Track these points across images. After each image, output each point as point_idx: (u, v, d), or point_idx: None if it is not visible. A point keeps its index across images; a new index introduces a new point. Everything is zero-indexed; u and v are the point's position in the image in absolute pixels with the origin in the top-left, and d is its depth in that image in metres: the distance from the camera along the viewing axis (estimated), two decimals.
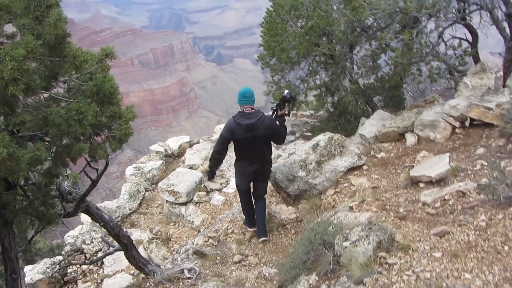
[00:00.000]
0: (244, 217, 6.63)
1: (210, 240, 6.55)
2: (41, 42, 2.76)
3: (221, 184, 9.45)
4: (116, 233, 5.32)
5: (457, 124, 6.80)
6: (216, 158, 5.97)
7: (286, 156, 7.07)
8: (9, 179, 2.65)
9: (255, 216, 6.35)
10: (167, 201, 9.41)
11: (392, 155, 7.28)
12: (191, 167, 10.67)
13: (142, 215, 10.37)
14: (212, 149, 6.23)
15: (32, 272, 8.65)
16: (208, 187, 9.40)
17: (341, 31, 8.36)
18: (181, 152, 12.69)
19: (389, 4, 6.97)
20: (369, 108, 10.24)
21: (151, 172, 11.72)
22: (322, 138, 6.88)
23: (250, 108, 5.64)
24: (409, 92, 12.75)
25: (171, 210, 9.35)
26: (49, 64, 2.99)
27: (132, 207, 10.49)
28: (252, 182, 6.19)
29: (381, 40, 8.47)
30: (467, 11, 8.07)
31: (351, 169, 6.78)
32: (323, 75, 9.15)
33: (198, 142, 12.95)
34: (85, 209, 4.95)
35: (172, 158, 12.90)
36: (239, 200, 6.83)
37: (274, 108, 6.02)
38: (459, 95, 7.80)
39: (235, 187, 9.27)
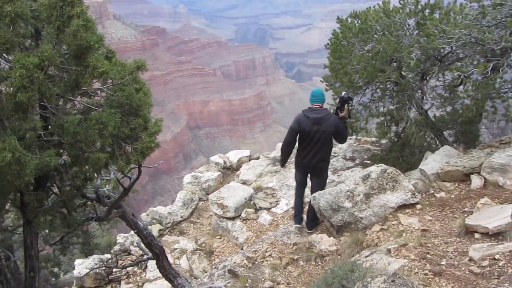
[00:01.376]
0: (294, 210, 7.06)
1: (246, 260, 6.39)
2: (66, 51, 2.80)
3: (270, 203, 9.26)
4: (149, 242, 5.34)
5: None
6: (285, 151, 6.64)
7: (335, 184, 6.72)
8: (15, 183, 2.71)
9: (302, 212, 6.94)
10: (215, 214, 9.40)
11: (452, 196, 6.65)
12: (244, 182, 10.62)
13: (191, 224, 10.47)
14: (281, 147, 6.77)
15: (81, 266, 9.00)
16: (257, 205, 9.25)
17: (412, 58, 7.88)
18: (239, 166, 12.72)
19: (464, 33, 6.42)
20: (437, 142, 9.54)
21: (207, 183, 11.84)
22: (374, 170, 6.46)
23: (318, 106, 6.30)
24: (489, 130, 11.77)
25: (218, 223, 9.32)
26: (73, 73, 3.04)
27: (183, 215, 10.63)
28: (309, 177, 6.76)
29: (457, 70, 7.86)
30: None
31: (403, 207, 6.28)
32: (388, 103, 8.67)
33: (258, 158, 12.88)
34: (120, 215, 5.01)
35: (230, 171, 12.96)
36: (285, 222, 6.86)
37: (335, 112, 6.53)
38: None
39: (284, 208, 9.07)
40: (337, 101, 7.06)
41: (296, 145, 6.57)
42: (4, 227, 7.70)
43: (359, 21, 8.29)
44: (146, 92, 3.53)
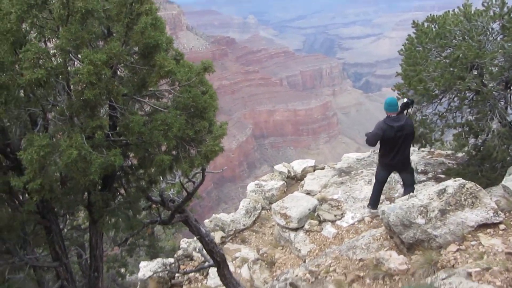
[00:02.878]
0: (370, 200, 8.26)
1: (308, 274, 6.13)
2: (134, 49, 2.78)
3: (335, 215, 8.91)
4: (210, 248, 5.27)
5: None
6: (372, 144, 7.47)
7: (406, 198, 6.28)
8: (80, 181, 2.72)
9: (379, 201, 8.20)
10: (278, 224, 9.21)
11: None
12: (308, 193, 10.35)
13: (254, 233, 10.36)
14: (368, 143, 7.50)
15: (145, 269, 9.19)
16: (321, 217, 8.95)
17: (496, 65, 7.25)
18: (303, 176, 12.46)
19: None
20: None
21: (271, 191, 11.71)
22: (451, 184, 5.94)
23: (395, 114, 7.06)
24: None
25: (281, 234, 9.12)
26: (140, 72, 3.01)
27: (246, 223, 10.56)
28: (399, 174, 8.03)
29: None
30: None
31: (484, 226, 5.70)
32: (467, 113, 8.03)
33: (323, 168, 12.55)
34: (183, 220, 4.98)
35: (294, 181, 12.74)
36: (351, 236, 7.55)
37: None
38: None
39: (349, 221, 8.70)
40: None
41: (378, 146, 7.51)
42: (76, 226, 8.03)
43: (437, 26, 7.77)
44: (212, 95, 3.45)
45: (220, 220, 10.46)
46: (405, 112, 7.18)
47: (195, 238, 10.34)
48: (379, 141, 7.30)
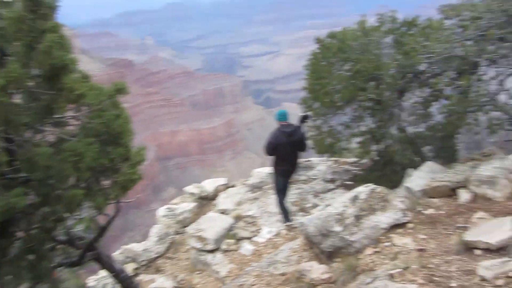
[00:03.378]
0: (282, 215, 8.44)
1: None
2: (36, 72, 2.40)
3: (252, 232, 8.84)
4: (127, 286, 4.82)
5: None
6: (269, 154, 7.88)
7: (322, 208, 6.43)
8: None
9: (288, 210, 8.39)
10: (194, 247, 8.88)
11: (442, 212, 6.43)
12: (222, 212, 10.17)
13: (169, 260, 9.87)
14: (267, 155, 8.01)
15: None
16: (238, 235, 8.81)
17: (391, 75, 7.80)
18: (216, 195, 12.23)
19: (445, 47, 6.37)
20: (417, 159, 9.44)
21: (183, 214, 11.29)
22: (362, 190, 6.18)
23: (286, 123, 7.63)
24: (463, 144, 11.81)
25: (197, 257, 8.79)
26: (45, 98, 2.62)
27: (159, 250, 10.03)
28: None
29: (434, 86, 7.82)
30: None
31: (395, 227, 5.99)
32: (369, 122, 8.53)
33: (234, 186, 12.46)
34: (95, 257, 4.49)
35: (207, 201, 12.45)
36: (269, 250, 7.38)
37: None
38: None
39: (266, 236, 8.66)
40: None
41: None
42: None
43: (337, 41, 8.18)
44: (126, 118, 3.14)
45: (131, 251, 9.82)
46: (303, 124, 7.79)
47: (103, 274, 9.61)
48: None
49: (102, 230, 4.11)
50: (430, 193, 6.97)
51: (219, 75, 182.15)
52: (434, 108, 8.70)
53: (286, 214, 8.33)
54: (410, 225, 6.07)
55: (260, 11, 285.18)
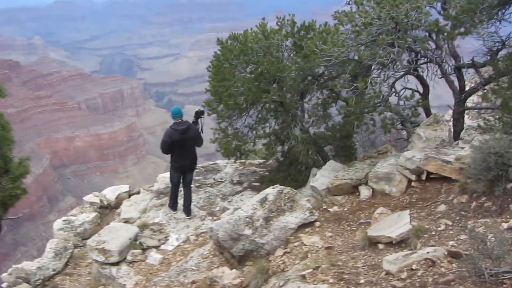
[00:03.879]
0: (170, 202, 9.01)
1: None
2: None
3: (159, 240, 8.47)
4: None
5: (413, 177, 6.44)
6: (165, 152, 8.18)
7: (231, 211, 6.35)
8: None
9: (178, 201, 8.85)
10: (96, 261, 8.26)
11: (345, 209, 6.74)
12: (126, 221, 9.62)
13: (67, 277, 9.06)
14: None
15: None
16: (144, 244, 8.38)
17: (292, 78, 7.98)
18: (118, 203, 11.56)
19: (342, 52, 6.66)
20: (320, 158, 9.82)
21: (82, 226, 10.46)
22: (270, 192, 6.23)
23: (180, 120, 7.86)
24: (359, 142, 12.56)
25: (100, 271, 8.18)
26: None
27: (56, 267, 9.15)
28: (183, 175, 8.42)
29: (334, 88, 8.18)
30: (418, 62, 7.96)
31: (303, 226, 6.13)
32: (273, 123, 8.67)
33: (138, 193, 11.89)
34: None
35: (109, 210, 11.72)
36: (178, 258, 7.34)
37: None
38: (412, 146, 7.52)
39: (174, 243, 8.39)
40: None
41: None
42: None
43: (239, 43, 8.18)
44: (4, 125, 2.74)
45: (23, 271, 8.84)
46: (198, 120, 8.17)
47: None
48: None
49: None
50: (333, 191, 7.26)
51: (117, 78, 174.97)
52: (333, 109, 9.10)
53: (173, 203, 8.90)
54: (317, 223, 6.25)
55: (157, 12, 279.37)
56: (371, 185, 6.93)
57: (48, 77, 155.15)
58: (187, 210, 8.77)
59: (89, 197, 11.87)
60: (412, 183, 6.46)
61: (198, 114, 8.14)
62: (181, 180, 8.57)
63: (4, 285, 4.80)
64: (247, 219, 5.90)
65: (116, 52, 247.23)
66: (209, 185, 10.83)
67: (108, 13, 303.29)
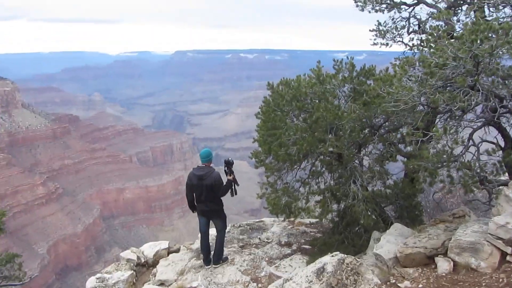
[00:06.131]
0: (203, 256, 8.52)
1: None
2: None
3: None
4: None
5: (509, 250, 5.13)
6: (189, 203, 8.23)
7: (281, 283, 5.26)
8: None
9: (210, 255, 8.41)
10: None
11: (420, 286, 5.46)
12: (162, 283, 8.69)
13: None
14: None
15: None
16: None
17: (351, 126, 7.04)
18: (156, 261, 10.69)
19: (413, 95, 5.68)
20: (380, 220, 8.57)
21: (116, 286, 9.62)
22: (329, 261, 5.13)
23: (204, 165, 7.78)
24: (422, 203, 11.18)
25: None
26: None
27: None
28: (212, 221, 8.16)
29: (394, 139, 7.15)
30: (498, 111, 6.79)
31: None
32: (328, 178, 7.64)
33: (178, 250, 11.00)
34: None
35: (146, 268, 10.85)
36: None
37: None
38: (499, 210, 6.19)
39: None
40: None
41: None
42: None
43: (292, 89, 7.37)
44: None
45: None
46: (225, 169, 7.85)
47: None
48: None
49: None
50: (403, 261, 6.02)
51: (168, 132, 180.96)
52: (392, 165, 8.01)
53: (204, 256, 8.44)
54: None
55: (208, 70, 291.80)
56: (451, 256, 5.65)
57: (104, 131, 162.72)
58: (214, 259, 8.39)
59: (127, 253, 11.09)
60: (508, 258, 5.15)
61: (226, 164, 7.82)
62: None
63: None
64: None
65: (168, 108, 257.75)
66: (254, 245, 9.79)
67: (162, 71, 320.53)
